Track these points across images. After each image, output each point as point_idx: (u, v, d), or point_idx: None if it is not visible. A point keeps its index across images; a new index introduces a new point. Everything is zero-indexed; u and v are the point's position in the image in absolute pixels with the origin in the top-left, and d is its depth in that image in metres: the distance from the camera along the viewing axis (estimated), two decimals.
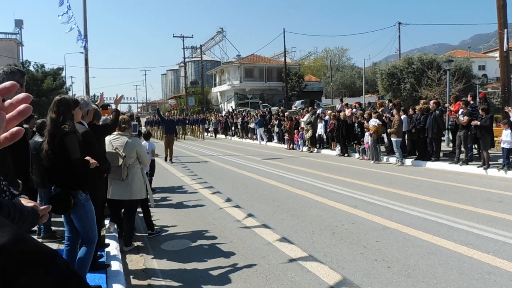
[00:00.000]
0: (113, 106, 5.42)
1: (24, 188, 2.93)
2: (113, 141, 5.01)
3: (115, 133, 5.08)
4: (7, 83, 0.84)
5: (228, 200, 7.82)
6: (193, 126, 32.17)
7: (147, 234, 5.63)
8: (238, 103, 44.49)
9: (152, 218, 6.54)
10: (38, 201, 5.29)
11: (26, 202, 1.36)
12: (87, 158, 3.40)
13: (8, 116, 0.81)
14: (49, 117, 3.42)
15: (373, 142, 12.76)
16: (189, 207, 7.44)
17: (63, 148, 3.30)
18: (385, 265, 4.24)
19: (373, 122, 12.71)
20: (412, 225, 5.63)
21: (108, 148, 4.90)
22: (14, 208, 1.19)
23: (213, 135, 31.47)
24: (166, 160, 14.66)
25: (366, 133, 13.55)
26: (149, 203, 5.55)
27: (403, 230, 5.42)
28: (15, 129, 0.85)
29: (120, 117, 5.17)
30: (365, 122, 13.31)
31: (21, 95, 0.83)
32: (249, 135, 25.62)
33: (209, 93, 54.00)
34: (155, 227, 5.76)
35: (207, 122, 32.69)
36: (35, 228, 5.39)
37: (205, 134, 31.59)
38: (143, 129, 16.65)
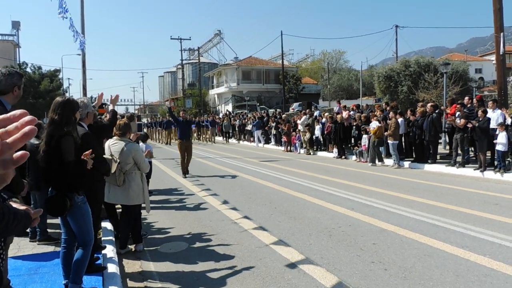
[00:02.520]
0: (110, 107, 5.41)
1: (21, 189, 2.92)
2: (111, 147, 4.97)
3: (114, 138, 5.04)
4: (17, 113, 0.85)
5: (225, 202, 7.81)
6: (203, 130, 28.87)
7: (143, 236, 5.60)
8: (235, 105, 44.51)
9: (150, 220, 6.54)
10: (32, 204, 5.27)
11: (17, 205, 1.37)
12: (84, 156, 3.37)
13: (12, 138, 0.82)
14: (49, 118, 3.40)
15: (373, 144, 12.77)
16: (186, 209, 7.43)
17: (59, 150, 3.29)
18: (382, 267, 4.24)
19: (374, 124, 12.74)
20: (409, 228, 5.64)
21: (106, 153, 4.88)
22: (8, 210, 1.19)
23: (225, 139, 27.54)
24: (185, 175, 11.28)
25: (364, 136, 13.58)
26: (143, 205, 5.48)
27: (400, 233, 5.43)
28: (19, 153, 0.86)
29: (118, 121, 5.15)
30: (366, 124, 13.32)
31: (27, 118, 0.83)
32: (246, 137, 25.62)
33: (206, 95, 54.00)
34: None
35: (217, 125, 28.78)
36: (27, 230, 5.37)
37: (215, 137, 28.04)
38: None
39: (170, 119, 30.36)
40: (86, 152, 3.38)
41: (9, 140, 0.81)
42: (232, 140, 27.47)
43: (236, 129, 27.30)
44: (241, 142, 26.08)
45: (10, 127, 0.82)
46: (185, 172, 11.36)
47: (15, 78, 3.14)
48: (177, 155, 18.81)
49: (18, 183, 2.63)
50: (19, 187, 2.64)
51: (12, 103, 3.10)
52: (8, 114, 0.84)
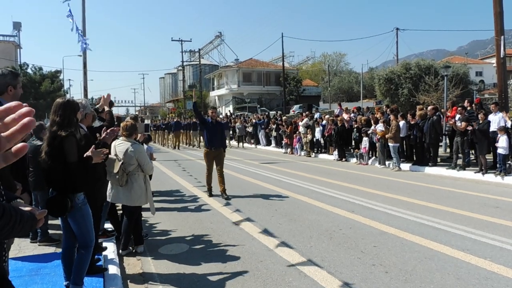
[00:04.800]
0: (106, 108, 5.41)
1: (22, 190, 2.92)
2: (117, 147, 4.98)
3: (121, 138, 5.05)
4: (12, 104, 0.84)
5: (226, 204, 7.81)
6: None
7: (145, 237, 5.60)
8: (236, 107, 44.56)
9: (151, 222, 6.54)
10: (33, 204, 5.27)
11: (22, 207, 1.37)
12: (89, 153, 3.39)
13: (12, 130, 0.81)
14: (51, 119, 3.41)
15: (381, 146, 12.78)
16: (187, 211, 7.43)
17: (62, 151, 3.29)
18: (383, 270, 4.24)
19: (380, 127, 12.75)
20: (410, 230, 5.64)
21: (111, 153, 4.90)
22: (15, 212, 1.19)
23: (240, 143, 24.40)
24: (210, 193, 8.61)
25: (364, 138, 13.59)
26: (144, 206, 5.47)
27: (401, 235, 5.43)
28: (19, 145, 0.86)
29: (123, 123, 5.16)
30: (373, 126, 13.31)
31: (24, 109, 0.83)
32: (247, 139, 25.56)
33: (207, 97, 54.05)
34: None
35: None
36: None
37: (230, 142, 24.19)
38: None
39: (179, 120, 29.16)
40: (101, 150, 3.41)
41: (8, 132, 0.81)
42: (233, 143, 25.60)
43: (237, 130, 27.09)
44: (258, 146, 23.46)
45: (7, 119, 0.81)
46: (211, 189, 8.71)
47: (8, 78, 3.14)
48: (177, 156, 18.90)
49: (10, 186, 2.60)
50: (10, 187, 2.61)
51: None
52: (4, 107, 0.84)
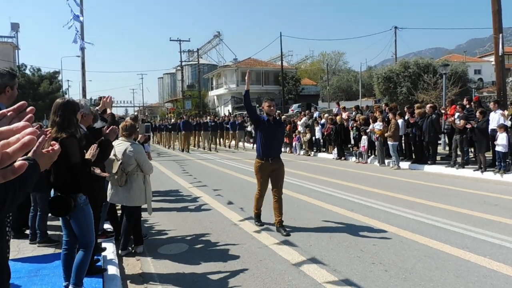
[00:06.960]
0: (108, 110, 5.43)
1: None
2: (116, 147, 4.98)
3: (120, 138, 5.05)
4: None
5: (226, 203, 7.80)
6: (228, 133, 23.61)
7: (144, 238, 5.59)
8: (235, 106, 44.56)
9: (150, 222, 6.54)
10: (31, 206, 5.27)
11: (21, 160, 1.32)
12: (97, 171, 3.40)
13: (12, 148, 0.82)
14: (51, 120, 3.41)
15: (379, 145, 12.80)
16: (186, 210, 7.42)
17: (63, 152, 3.29)
18: (382, 268, 4.25)
19: (378, 125, 12.75)
20: (409, 229, 5.65)
21: (111, 154, 4.90)
22: (11, 183, 1.17)
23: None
24: (259, 220, 6.25)
25: (363, 137, 13.60)
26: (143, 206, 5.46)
27: (400, 234, 5.44)
28: (19, 163, 0.86)
29: (123, 123, 5.16)
30: (371, 125, 13.31)
31: (28, 130, 0.84)
32: (246, 138, 25.53)
33: (206, 97, 54.04)
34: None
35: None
36: (27, 232, 5.36)
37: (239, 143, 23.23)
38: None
39: (189, 119, 24.64)
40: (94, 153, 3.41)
41: (9, 150, 0.82)
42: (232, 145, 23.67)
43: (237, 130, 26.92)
44: (233, 142, 22.80)
45: (12, 138, 0.83)
46: (259, 213, 6.29)
47: (6, 78, 3.12)
48: (180, 157, 18.87)
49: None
50: None
51: (6, 104, 3.09)
52: (11, 126, 0.85)
